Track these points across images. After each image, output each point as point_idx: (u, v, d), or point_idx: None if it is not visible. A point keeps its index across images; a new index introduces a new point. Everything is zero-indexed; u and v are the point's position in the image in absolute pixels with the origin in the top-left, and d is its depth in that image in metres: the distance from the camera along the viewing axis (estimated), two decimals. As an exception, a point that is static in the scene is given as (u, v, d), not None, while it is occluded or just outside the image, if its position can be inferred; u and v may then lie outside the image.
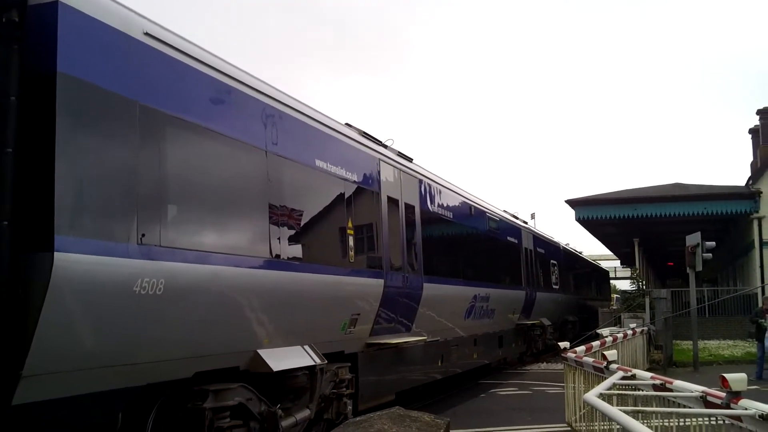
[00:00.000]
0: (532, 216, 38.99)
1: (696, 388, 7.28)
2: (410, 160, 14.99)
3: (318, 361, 9.64)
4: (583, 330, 32.93)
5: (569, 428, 12.31)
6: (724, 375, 6.59)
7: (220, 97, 8.30)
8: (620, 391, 8.84)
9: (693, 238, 22.73)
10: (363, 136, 12.70)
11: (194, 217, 7.69)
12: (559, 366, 16.73)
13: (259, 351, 8.58)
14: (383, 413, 7.14)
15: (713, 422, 6.93)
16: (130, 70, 6.85)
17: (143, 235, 6.69)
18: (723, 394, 6.62)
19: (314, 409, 9.84)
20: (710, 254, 22.91)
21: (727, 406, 6.47)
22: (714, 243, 23.15)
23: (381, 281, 12.06)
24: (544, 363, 26.06)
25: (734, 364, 22.54)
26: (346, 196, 11.20)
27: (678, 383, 7.83)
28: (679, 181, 34.33)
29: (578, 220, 30.71)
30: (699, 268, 22.79)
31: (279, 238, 9.00)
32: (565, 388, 13.25)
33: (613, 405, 7.44)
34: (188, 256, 7.29)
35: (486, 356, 20.17)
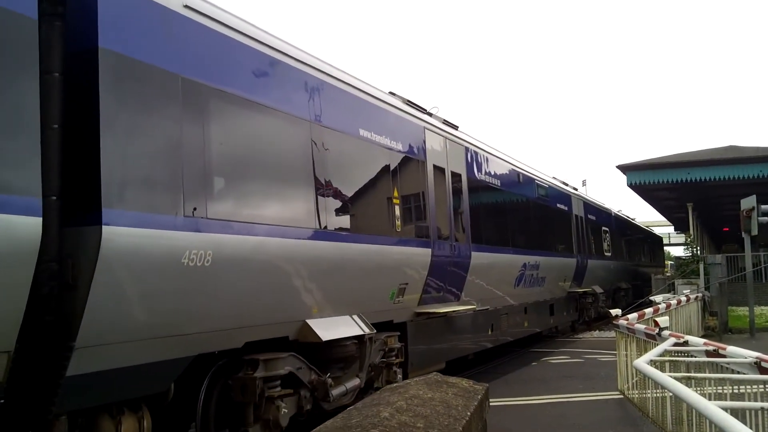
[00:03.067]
0: (584, 183, 38.46)
1: (750, 354, 7.22)
2: (456, 127, 14.86)
3: (367, 330, 9.70)
4: (636, 297, 32.54)
5: (622, 396, 12.16)
6: None
7: (262, 69, 8.31)
8: (672, 358, 8.74)
9: (748, 202, 22.21)
10: (407, 104, 12.61)
11: (240, 189, 7.74)
12: (612, 334, 16.55)
13: (308, 321, 8.67)
14: (420, 379, 7.12)
15: None
16: (171, 44, 6.88)
17: (190, 207, 6.76)
18: None
19: (364, 377, 9.93)
20: (766, 218, 22.34)
21: None
22: (770, 206, 22.53)
23: (428, 250, 12.03)
24: (596, 331, 25.73)
25: (792, 330, 22.07)
26: (392, 165, 11.17)
27: (731, 349, 7.77)
28: (734, 143, 33.48)
29: (630, 185, 30.13)
30: (755, 232, 22.25)
31: (326, 209, 9.03)
32: (618, 355, 13.06)
33: (664, 372, 7.47)
34: (235, 227, 7.36)
35: (537, 324, 20.05)
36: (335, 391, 8.96)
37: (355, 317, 9.72)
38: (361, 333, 9.56)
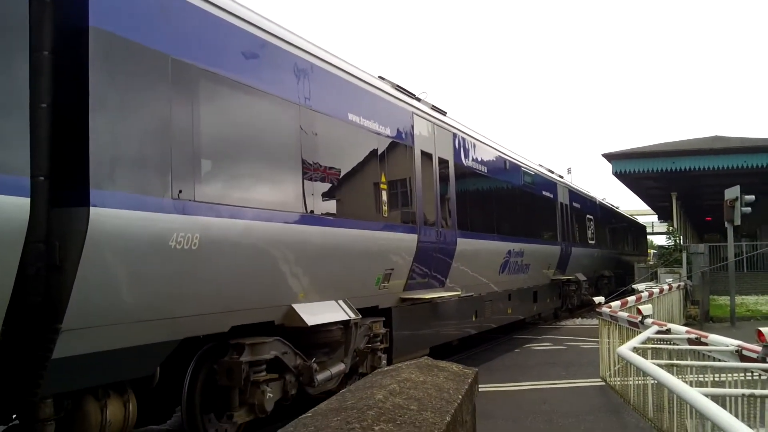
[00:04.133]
0: (569, 171, 38.47)
1: (731, 342, 7.27)
2: (444, 113, 14.85)
3: (352, 315, 9.71)
4: (619, 285, 32.72)
5: (603, 383, 12.24)
6: (761, 329, 6.74)
7: (252, 50, 8.26)
8: (654, 345, 8.74)
9: (732, 192, 22.37)
10: (396, 89, 12.58)
11: (228, 172, 7.71)
12: (594, 321, 16.63)
13: (294, 305, 8.66)
14: (411, 363, 7.06)
15: (749, 377, 6.88)
16: (162, 24, 6.83)
17: (178, 189, 6.74)
18: (759, 348, 6.60)
19: (349, 363, 9.96)
20: (749, 208, 22.55)
21: (763, 360, 6.45)
22: (753, 197, 22.67)
23: (414, 236, 12.05)
24: (579, 318, 25.94)
25: (772, 319, 22.17)
26: (379, 150, 11.16)
27: (713, 337, 7.82)
28: (719, 133, 33.54)
29: (615, 174, 30.12)
30: (737, 222, 22.45)
31: (312, 193, 9.01)
32: (600, 343, 13.13)
33: (647, 359, 7.40)
34: (223, 210, 7.34)
35: (520, 311, 20.15)
36: (320, 376, 8.98)
37: (341, 302, 9.72)
38: (347, 318, 9.58)
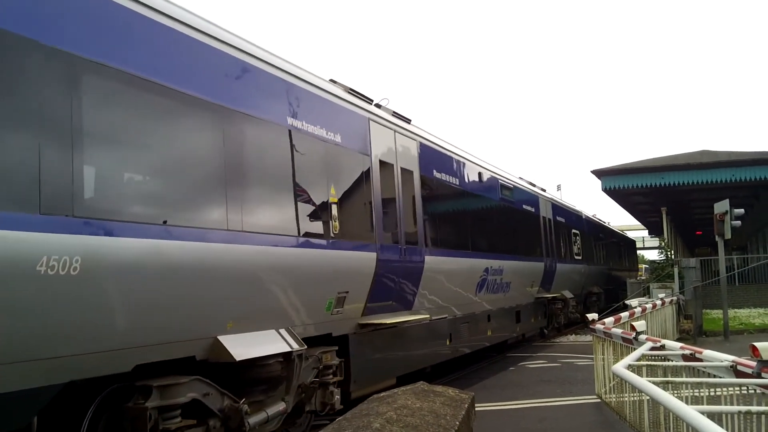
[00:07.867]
0: (558, 187, 37.85)
1: (726, 358, 7.18)
2: (408, 121, 13.64)
3: (295, 346, 8.42)
4: (610, 302, 32.00)
5: (599, 400, 12.08)
6: (755, 344, 6.61)
7: (154, 38, 6.97)
8: (649, 362, 8.61)
9: (721, 206, 22.08)
10: (349, 93, 11.37)
11: (123, 182, 6.50)
12: (588, 338, 16.94)
13: (220, 337, 7.40)
14: (407, 388, 7.09)
15: (744, 392, 6.85)
16: (29, 4, 5.64)
17: (49, 203, 5.50)
18: (754, 363, 6.59)
19: (292, 401, 8.61)
20: (739, 221, 22.39)
21: (758, 376, 6.45)
22: (743, 210, 22.69)
23: (373, 254, 10.81)
24: (573, 335, 25.74)
25: (765, 332, 22.07)
26: (327, 159, 9.94)
27: (708, 353, 7.69)
28: (707, 147, 33.36)
29: (605, 190, 30.26)
30: (728, 235, 22.07)
31: (240, 206, 7.76)
32: (594, 359, 12.98)
33: (642, 376, 7.37)
34: (115, 228, 6.11)
35: (502, 333, 18.93)
36: (253, 419, 7.65)
37: (283, 332, 8.45)
38: (288, 350, 8.29)
